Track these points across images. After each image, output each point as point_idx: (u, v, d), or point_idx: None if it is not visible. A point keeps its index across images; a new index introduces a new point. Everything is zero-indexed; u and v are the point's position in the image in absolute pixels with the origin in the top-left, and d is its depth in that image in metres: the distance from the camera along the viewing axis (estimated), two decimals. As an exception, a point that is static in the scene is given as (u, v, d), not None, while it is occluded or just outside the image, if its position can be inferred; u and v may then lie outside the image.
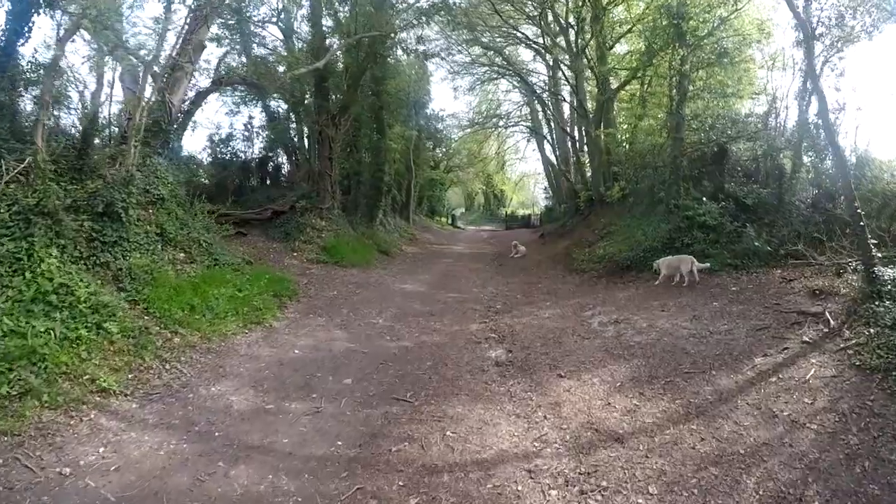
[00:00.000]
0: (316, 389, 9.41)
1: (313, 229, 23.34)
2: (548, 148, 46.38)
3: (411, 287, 19.38)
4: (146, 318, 11.31)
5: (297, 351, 11.51)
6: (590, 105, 32.43)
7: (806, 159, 19.33)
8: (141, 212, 13.94)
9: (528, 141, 53.55)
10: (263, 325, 12.99)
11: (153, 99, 15.87)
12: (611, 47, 30.28)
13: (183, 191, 16.83)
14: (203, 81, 21.52)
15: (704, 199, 19.32)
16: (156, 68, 15.96)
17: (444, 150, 57.02)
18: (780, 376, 9.10)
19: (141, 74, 15.57)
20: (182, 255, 14.80)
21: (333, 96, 26.55)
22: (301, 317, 14.30)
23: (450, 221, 58.09)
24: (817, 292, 12.78)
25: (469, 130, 51.79)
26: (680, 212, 19.31)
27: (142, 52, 19.09)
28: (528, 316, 14.93)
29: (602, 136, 29.75)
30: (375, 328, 13.65)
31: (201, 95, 20.48)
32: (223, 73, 22.28)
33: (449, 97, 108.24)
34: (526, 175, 72.76)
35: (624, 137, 30.33)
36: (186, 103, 18.49)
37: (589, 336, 12.51)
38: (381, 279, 20.33)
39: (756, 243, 16.65)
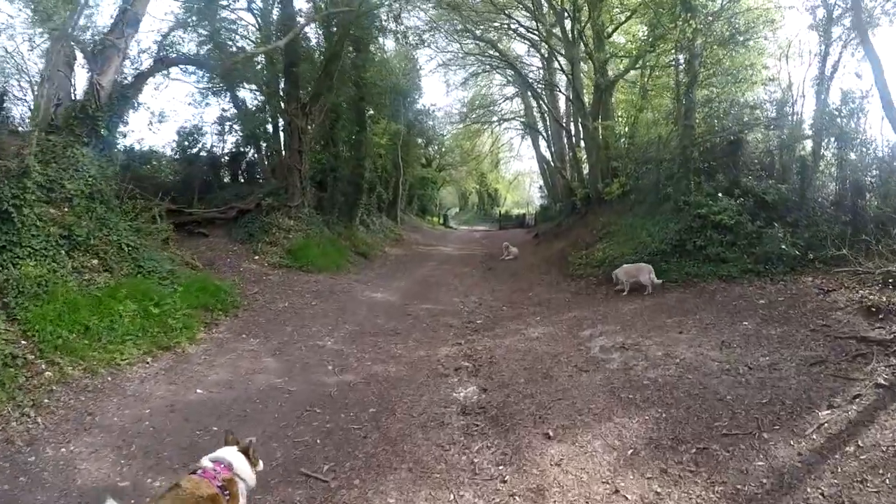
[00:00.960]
0: (201, 453, 6.47)
1: (279, 230, 20.46)
2: (543, 144, 43.54)
3: (382, 296, 16.50)
4: (23, 342, 8.59)
5: (200, 390, 8.60)
6: (587, 99, 29.38)
7: (827, 151, 16.73)
8: (45, 210, 11.14)
9: (523, 138, 50.72)
10: (175, 350, 10.09)
11: (73, 80, 12.95)
12: (609, 35, 27.34)
13: (112, 186, 13.88)
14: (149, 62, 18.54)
15: (720, 194, 16.49)
16: (77, 44, 13.09)
17: (436, 147, 54.07)
18: (860, 443, 6.17)
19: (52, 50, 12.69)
20: (95, 261, 11.81)
21: (306, 84, 23.66)
22: (230, 338, 11.40)
23: (441, 221, 55.08)
24: (873, 310, 9.95)
25: (461, 126, 48.86)
26: (691, 209, 16.60)
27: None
28: (514, 335, 12.03)
29: (600, 130, 26.86)
30: (319, 354, 10.81)
31: (141, 77, 17.47)
32: (166, 52, 19.18)
33: (441, 93, 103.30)
34: (521, 173, 70.07)
35: (623, 130, 27.42)
36: (121, 86, 15.41)
37: (588, 368, 9.55)
38: (349, 287, 17.43)
39: (783, 246, 14.01)
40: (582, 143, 33.38)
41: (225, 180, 26.61)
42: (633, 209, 21.51)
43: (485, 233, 46.81)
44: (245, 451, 4.75)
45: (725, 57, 19.16)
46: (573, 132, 34.34)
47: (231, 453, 4.66)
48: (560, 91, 34.24)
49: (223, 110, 26.59)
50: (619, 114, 28.76)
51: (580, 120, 29.81)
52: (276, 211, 21.09)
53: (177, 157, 25.25)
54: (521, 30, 33.67)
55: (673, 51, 20.95)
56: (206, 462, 4.48)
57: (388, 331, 12.52)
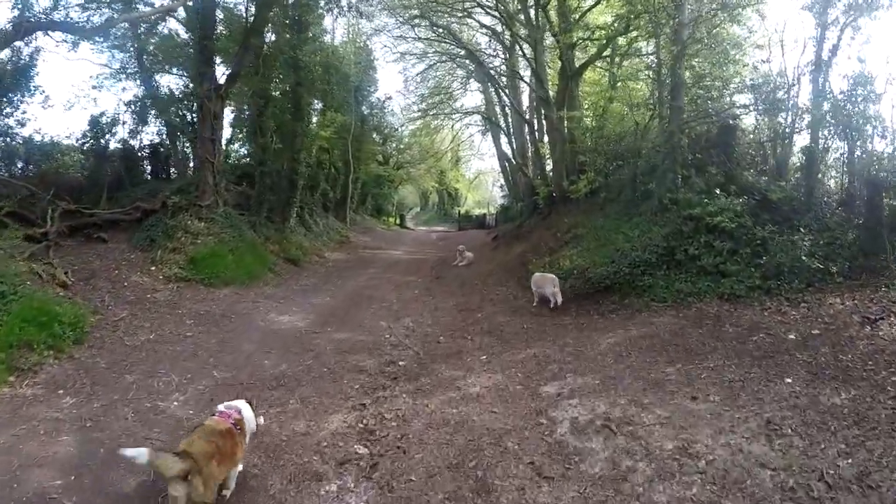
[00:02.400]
0: None
1: (186, 234, 16.38)
2: (504, 141, 39.59)
3: (289, 320, 12.44)
4: None
5: None
6: (552, 90, 25.57)
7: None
8: None
9: (484, 135, 46.61)
10: None
11: None
12: (577, 20, 23.62)
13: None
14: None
15: (718, 191, 12.90)
16: None
17: (394, 144, 50.02)
18: None
19: None
20: None
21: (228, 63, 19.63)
22: (41, 395, 7.60)
23: (398, 222, 50.77)
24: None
25: (419, 121, 44.79)
26: (680, 209, 13.11)
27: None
28: (446, 389, 8.10)
29: (565, 121, 23.16)
30: (149, 425, 6.93)
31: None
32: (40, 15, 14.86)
33: (399, 88, 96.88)
34: (482, 172, 65.94)
35: (591, 124, 23.70)
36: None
37: (553, 471, 5.65)
38: (252, 306, 13.42)
39: (802, 256, 10.71)
40: (545, 138, 29.81)
41: (146, 176, 22.84)
42: (604, 209, 17.99)
43: (442, 234, 42.59)
44: (249, 402, 5.98)
45: (721, 23, 15.50)
46: (536, 126, 30.54)
47: (241, 403, 5.81)
48: (522, 80, 30.18)
49: (135, 97, 22.44)
50: (586, 107, 25.06)
51: (543, 112, 26.06)
52: (183, 211, 17.10)
53: (85, 150, 21.32)
54: (482, 14, 29.75)
55: (651, 27, 17.26)
56: (221, 407, 5.67)
57: (270, 380, 8.57)
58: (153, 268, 14.81)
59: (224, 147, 21.77)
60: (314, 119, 29.17)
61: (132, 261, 14.91)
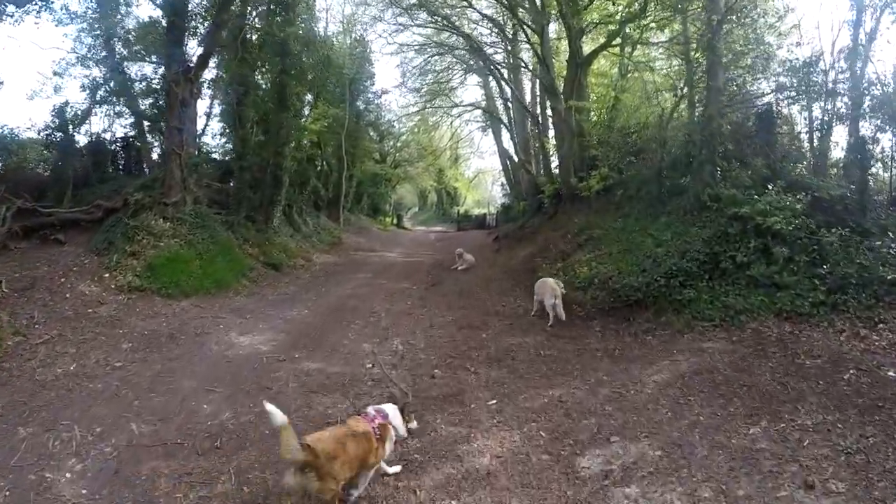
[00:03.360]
0: None
1: (148, 235, 14.14)
2: (505, 137, 37.21)
3: (251, 342, 9.97)
4: None
5: None
6: (559, 84, 23.14)
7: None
8: None
9: (484, 131, 43.99)
10: None
11: None
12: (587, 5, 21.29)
13: None
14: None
15: (769, 186, 10.65)
16: None
17: (391, 142, 47.52)
18: None
19: None
20: None
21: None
22: None
23: (395, 222, 48.02)
24: None
25: (417, 118, 42.20)
26: (722, 207, 10.66)
27: None
28: (443, 460, 5.78)
29: (574, 113, 20.81)
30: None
31: None
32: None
33: (397, 85, 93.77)
34: (482, 171, 63.15)
35: (601, 116, 21.36)
36: None
37: None
38: (211, 323, 11.01)
39: (881, 267, 8.75)
40: (551, 132, 27.45)
41: (118, 172, 20.44)
42: (622, 208, 15.84)
43: (441, 234, 40.05)
44: (401, 409, 5.50)
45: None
46: (541, 119, 28.16)
47: (390, 407, 5.43)
48: (527, 67, 27.52)
49: (99, 83, 20.04)
50: (595, 98, 22.73)
51: (550, 103, 23.67)
52: (147, 210, 14.91)
53: (49, 144, 19.19)
54: (482, 3, 27.35)
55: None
56: (369, 409, 5.33)
57: (202, 437, 6.18)
58: (106, 275, 12.71)
59: (198, 139, 19.48)
60: (306, 112, 26.78)
61: (85, 266, 12.88)
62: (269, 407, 4.40)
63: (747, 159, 12.08)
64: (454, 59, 35.20)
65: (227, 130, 20.53)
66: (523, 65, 27.13)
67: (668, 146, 14.32)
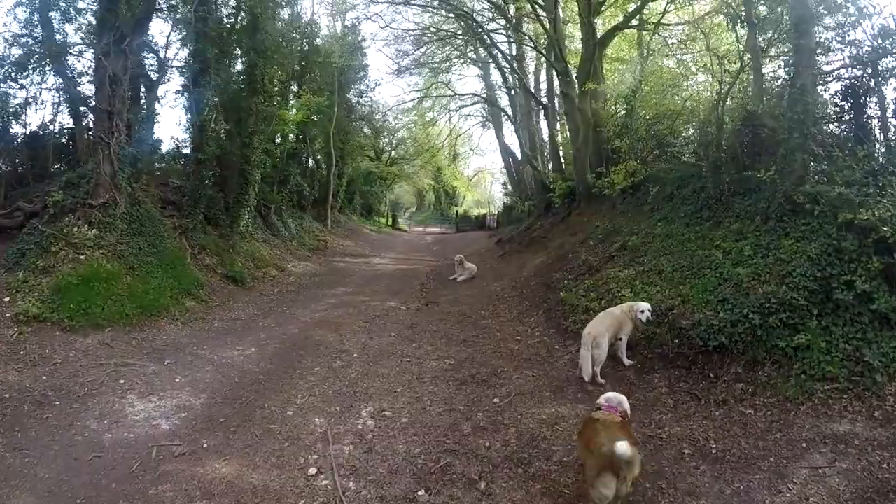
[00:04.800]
0: None
1: (68, 245, 10.89)
2: (508, 132, 33.98)
3: (148, 415, 6.44)
4: None
5: None
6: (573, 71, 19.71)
7: None
8: None
9: (485, 127, 40.45)
10: None
11: None
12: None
13: None
14: None
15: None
16: None
17: (388, 138, 44.06)
18: None
19: None
20: None
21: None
22: None
23: (390, 222, 44.30)
24: None
25: (413, 113, 38.85)
26: (827, 211, 7.34)
27: None
28: None
29: (590, 99, 17.55)
30: None
31: None
32: None
33: (391, 76, 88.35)
34: (482, 170, 59.74)
35: (623, 102, 17.94)
36: None
37: None
38: (112, 374, 7.54)
39: None
40: (557, 125, 24.14)
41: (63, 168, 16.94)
42: (658, 209, 12.49)
43: (439, 236, 36.38)
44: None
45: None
46: (550, 108, 24.68)
47: (620, 396, 5.22)
48: (535, 48, 23.63)
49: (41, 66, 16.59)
50: (609, 85, 19.39)
51: (562, 90, 20.27)
52: (69, 214, 11.53)
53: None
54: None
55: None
56: (602, 401, 5.11)
57: None
58: (7, 299, 9.49)
59: (152, 127, 15.98)
60: (291, 101, 23.35)
61: (-24, 288, 9.52)
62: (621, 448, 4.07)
63: (834, 148, 8.72)
64: (452, 50, 31.78)
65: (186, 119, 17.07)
66: (531, 44, 23.42)
67: (725, 133, 10.91)
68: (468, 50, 31.32)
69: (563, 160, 22.69)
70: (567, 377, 7.52)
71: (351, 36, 30.76)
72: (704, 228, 10.11)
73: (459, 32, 26.97)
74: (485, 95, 34.38)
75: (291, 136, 24.90)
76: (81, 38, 16.89)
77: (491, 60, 29.19)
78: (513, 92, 29.08)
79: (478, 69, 34.83)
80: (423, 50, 30.49)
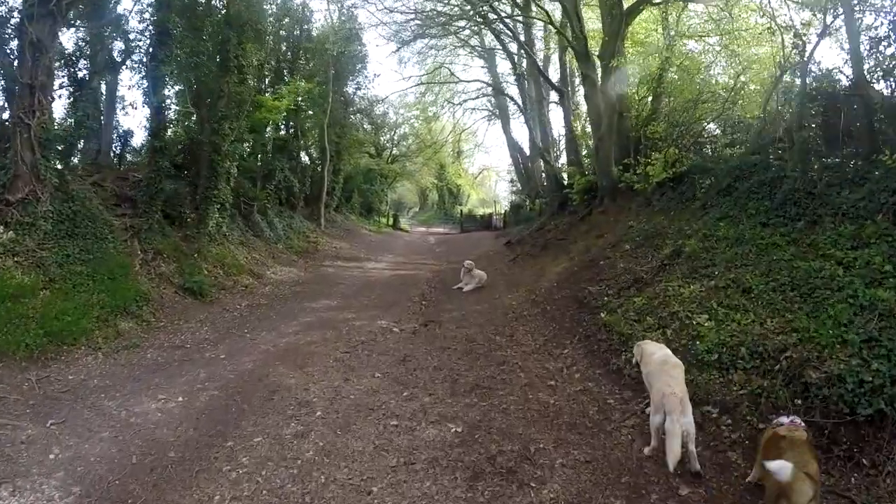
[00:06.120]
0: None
1: (-33, 252, 8.24)
2: (515, 126, 31.34)
3: None
4: None
5: None
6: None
7: None
8: None
9: (491, 121, 37.72)
10: None
11: None
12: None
13: None
14: None
15: None
16: None
17: (389, 134, 41.32)
18: None
19: None
20: None
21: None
22: None
23: (390, 222, 40.62)
24: None
25: (416, 107, 36.17)
26: None
27: None
28: None
29: (614, 82, 14.94)
30: None
31: None
32: None
33: (393, 70, 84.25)
34: (487, 168, 56.79)
35: (663, 68, 15.35)
36: None
37: None
38: None
39: None
40: (575, 114, 21.41)
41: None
42: (711, 207, 9.92)
43: (442, 237, 33.33)
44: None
45: None
46: (564, 91, 21.76)
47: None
48: (551, 24, 20.21)
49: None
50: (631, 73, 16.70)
51: (581, 71, 17.53)
52: (-26, 212, 8.86)
53: None
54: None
55: None
56: (783, 419, 4.18)
57: None
58: None
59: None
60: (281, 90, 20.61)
61: None
62: (774, 465, 3.53)
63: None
64: (456, 39, 29.06)
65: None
66: (545, 20, 20.42)
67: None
68: (471, 38, 28.74)
69: (581, 153, 19.92)
70: (640, 464, 4.75)
71: (349, 23, 27.93)
72: (795, 230, 7.42)
73: (467, 9, 24.13)
74: (490, 82, 31.54)
75: (279, 126, 22.24)
76: None
77: (499, 46, 26.38)
78: (523, 78, 26.16)
79: (482, 61, 32.25)
80: (425, 41, 27.91)
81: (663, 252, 9.23)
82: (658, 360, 5.24)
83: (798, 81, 9.80)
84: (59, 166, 10.32)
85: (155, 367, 7.51)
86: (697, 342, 6.21)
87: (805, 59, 8.83)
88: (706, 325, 6.42)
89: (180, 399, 6.33)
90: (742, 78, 13.91)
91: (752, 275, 6.91)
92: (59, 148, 10.46)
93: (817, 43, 8.73)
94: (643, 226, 11.33)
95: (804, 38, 9.28)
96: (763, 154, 10.26)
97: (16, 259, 8.80)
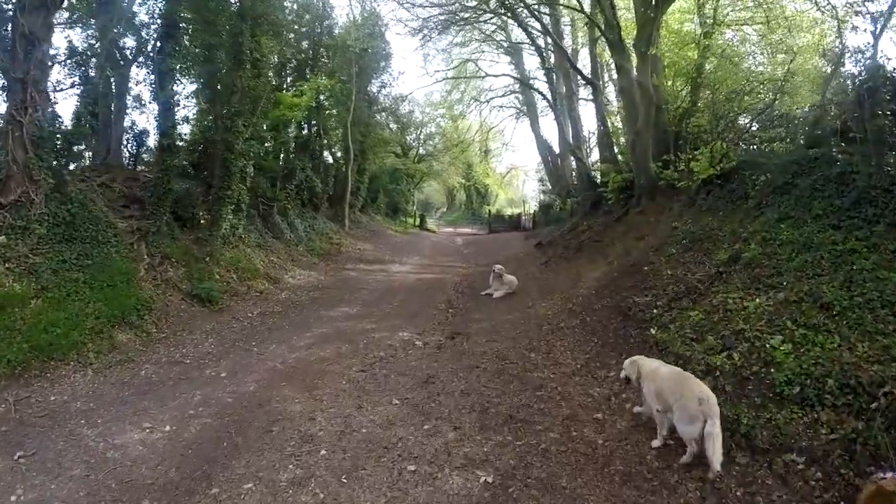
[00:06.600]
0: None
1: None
2: (544, 123, 30.24)
3: None
4: None
5: None
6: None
7: None
8: None
9: (518, 118, 36.60)
10: None
11: None
12: None
13: None
14: None
15: None
16: None
17: (415, 133, 40.47)
18: None
19: None
20: None
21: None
22: None
23: (417, 223, 39.38)
24: None
25: (441, 102, 35.29)
26: None
27: None
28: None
29: (651, 73, 13.96)
30: None
31: None
32: None
33: (417, 71, 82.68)
34: (514, 167, 55.31)
35: (698, 71, 14.40)
36: None
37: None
38: None
39: None
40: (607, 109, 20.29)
41: None
42: (766, 206, 8.71)
43: (470, 237, 32.40)
44: None
45: None
46: (596, 84, 20.58)
47: None
48: (580, 11, 19.15)
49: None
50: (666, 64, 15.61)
51: (615, 61, 16.44)
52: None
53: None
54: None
55: None
56: (888, 473, 3.71)
57: None
58: None
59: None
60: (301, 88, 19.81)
61: None
62: None
63: None
64: (482, 36, 28.19)
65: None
66: (576, 6, 19.18)
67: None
68: (497, 32, 27.94)
69: (615, 149, 18.80)
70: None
71: (371, 19, 27.06)
72: (874, 234, 6.34)
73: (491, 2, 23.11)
74: (518, 76, 30.38)
75: (302, 124, 21.48)
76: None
77: (526, 40, 25.24)
78: (553, 73, 25.00)
79: (509, 58, 31.19)
80: (450, 38, 27.08)
81: (717, 257, 8.14)
82: (667, 373, 5.10)
83: (855, 70, 8.75)
84: (58, 166, 9.56)
85: (147, 386, 6.67)
86: (773, 370, 5.18)
87: (874, 43, 7.72)
88: (782, 348, 5.36)
89: (167, 428, 5.47)
90: (789, 67, 12.77)
91: (828, 287, 5.84)
92: (58, 146, 9.71)
93: (883, 27, 7.62)
94: (689, 227, 10.22)
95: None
96: (824, 147, 9.15)
97: (7, 265, 8.09)
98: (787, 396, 4.87)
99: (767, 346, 5.52)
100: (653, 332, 7.04)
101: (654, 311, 7.72)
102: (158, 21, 12.08)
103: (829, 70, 13.00)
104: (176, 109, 12.33)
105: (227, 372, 7.18)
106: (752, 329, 5.90)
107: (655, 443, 4.99)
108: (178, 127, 13.15)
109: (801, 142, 10.94)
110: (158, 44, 11.87)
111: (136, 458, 4.92)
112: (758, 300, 6.38)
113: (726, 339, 6.04)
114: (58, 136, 9.76)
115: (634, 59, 14.90)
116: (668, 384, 4.89)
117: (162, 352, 8.01)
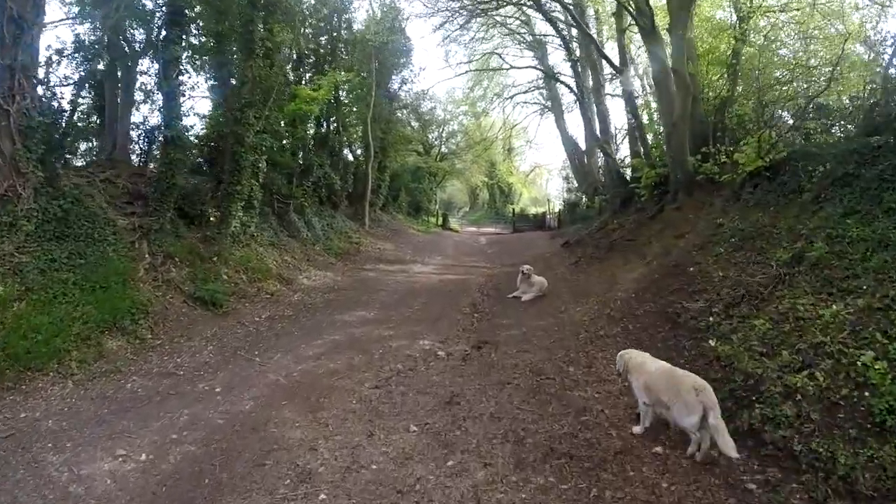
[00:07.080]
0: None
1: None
2: (570, 119, 29.04)
3: None
4: None
5: None
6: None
7: None
8: None
9: (543, 115, 35.36)
10: None
11: None
12: None
13: None
14: None
15: None
16: None
17: (437, 131, 39.61)
18: None
19: None
20: None
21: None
22: None
23: (440, 222, 38.14)
24: None
25: (464, 99, 34.39)
26: None
27: None
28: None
29: (687, 60, 12.94)
30: None
31: None
32: None
33: (445, 61, 76.83)
34: (538, 165, 53.99)
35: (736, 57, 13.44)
36: None
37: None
38: None
39: None
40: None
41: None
42: (825, 200, 7.63)
43: (494, 237, 31.32)
44: None
45: None
46: (625, 71, 19.51)
47: None
48: None
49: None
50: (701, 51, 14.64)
51: (647, 48, 15.43)
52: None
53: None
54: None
55: None
56: None
57: None
58: None
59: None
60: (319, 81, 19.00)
61: None
62: None
63: None
64: (505, 30, 27.31)
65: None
66: None
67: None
68: (520, 27, 27.07)
69: (648, 142, 17.74)
70: None
71: (391, 13, 26.20)
72: None
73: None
74: (542, 69, 29.29)
75: (321, 120, 20.71)
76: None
77: (552, 32, 24.33)
78: (578, 66, 23.91)
79: (532, 52, 30.11)
80: (472, 33, 26.25)
81: (777, 257, 7.10)
82: (657, 369, 5.12)
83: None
84: (49, 159, 8.77)
85: (131, 402, 5.84)
86: (867, 394, 4.20)
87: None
88: (876, 367, 4.36)
89: (143, 457, 4.63)
90: (841, 52, 11.72)
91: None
92: (50, 138, 8.93)
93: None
94: (736, 224, 9.18)
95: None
96: (889, 134, 8.07)
97: (-17, 269, 7.31)
98: (889, 429, 3.90)
99: (858, 363, 4.51)
100: (711, 343, 6.03)
101: (710, 318, 6.70)
102: (163, 8, 11.30)
103: (884, 57, 12.03)
104: (182, 101, 11.59)
105: (222, 386, 6.31)
106: (834, 342, 4.90)
107: (637, 429, 5.08)
108: (187, 120, 12.44)
109: (854, 130, 9.93)
110: (164, 32, 11.10)
111: (101, 495, 4.09)
112: (834, 307, 5.35)
113: (804, 354, 5.03)
114: (51, 126, 8.99)
115: (668, 48, 13.93)
116: (661, 382, 4.91)
117: (154, 361, 7.18)
